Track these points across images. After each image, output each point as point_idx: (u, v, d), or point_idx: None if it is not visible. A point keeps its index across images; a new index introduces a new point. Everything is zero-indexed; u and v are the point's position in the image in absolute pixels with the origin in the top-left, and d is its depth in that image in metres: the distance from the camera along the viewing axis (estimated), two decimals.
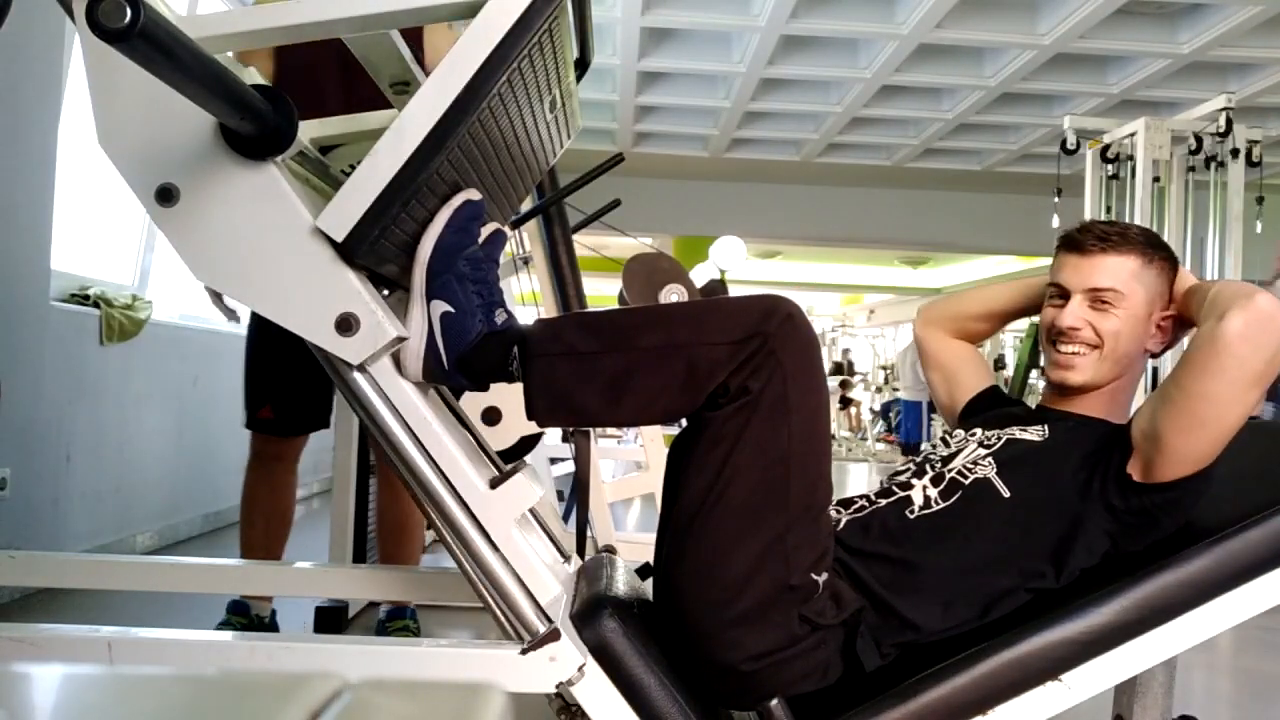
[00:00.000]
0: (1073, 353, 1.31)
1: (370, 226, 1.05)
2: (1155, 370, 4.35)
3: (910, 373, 10.22)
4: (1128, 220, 4.38)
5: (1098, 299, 1.30)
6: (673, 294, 2.86)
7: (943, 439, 1.42)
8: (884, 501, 1.28)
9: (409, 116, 1.05)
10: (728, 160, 7.92)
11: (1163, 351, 1.37)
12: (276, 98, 1.04)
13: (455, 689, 0.38)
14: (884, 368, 13.93)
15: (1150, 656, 1.18)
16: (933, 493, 1.26)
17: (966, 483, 1.25)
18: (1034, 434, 1.30)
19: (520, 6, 1.06)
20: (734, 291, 3.58)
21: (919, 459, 1.38)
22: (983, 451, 1.30)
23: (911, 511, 1.25)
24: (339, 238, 1.05)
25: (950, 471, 1.28)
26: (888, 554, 1.22)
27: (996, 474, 1.25)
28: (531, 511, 1.32)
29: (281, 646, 1.17)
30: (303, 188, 1.15)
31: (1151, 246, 1.32)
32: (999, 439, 1.31)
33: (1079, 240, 1.33)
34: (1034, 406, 1.45)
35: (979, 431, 1.36)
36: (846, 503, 1.31)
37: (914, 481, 1.30)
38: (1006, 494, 1.23)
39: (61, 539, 3.03)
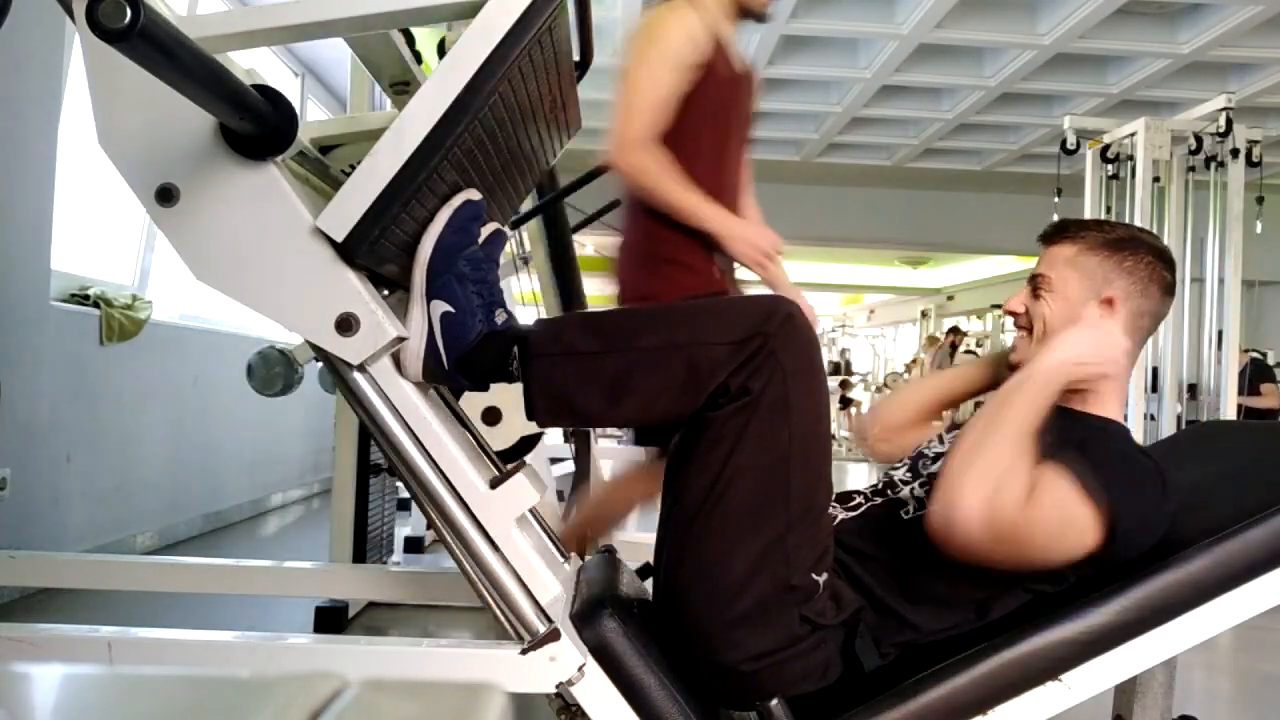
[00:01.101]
0: (1016, 336, 1.40)
1: (370, 226, 1.05)
2: (1155, 370, 4.35)
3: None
4: (1128, 220, 4.38)
5: (1035, 286, 1.37)
6: None
7: (939, 437, 1.41)
8: (879, 500, 1.27)
9: (409, 116, 1.05)
10: None
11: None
12: (276, 98, 1.05)
13: (455, 689, 0.38)
14: (911, 363, 13.77)
15: (1150, 656, 1.18)
16: (921, 494, 1.25)
17: None
18: None
19: (520, 6, 1.06)
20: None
21: (913, 456, 1.38)
22: None
23: (906, 512, 1.25)
24: (339, 238, 1.05)
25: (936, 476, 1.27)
26: (883, 556, 1.22)
27: None
28: (531, 511, 1.32)
29: (281, 646, 1.17)
30: (303, 188, 1.15)
31: (1107, 241, 1.33)
32: None
33: (1041, 235, 1.42)
34: None
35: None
36: (844, 498, 1.31)
37: (906, 480, 1.29)
38: None
39: (61, 539, 3.03)
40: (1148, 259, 1.32)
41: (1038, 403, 1.18)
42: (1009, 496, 1.11)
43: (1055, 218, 4.76)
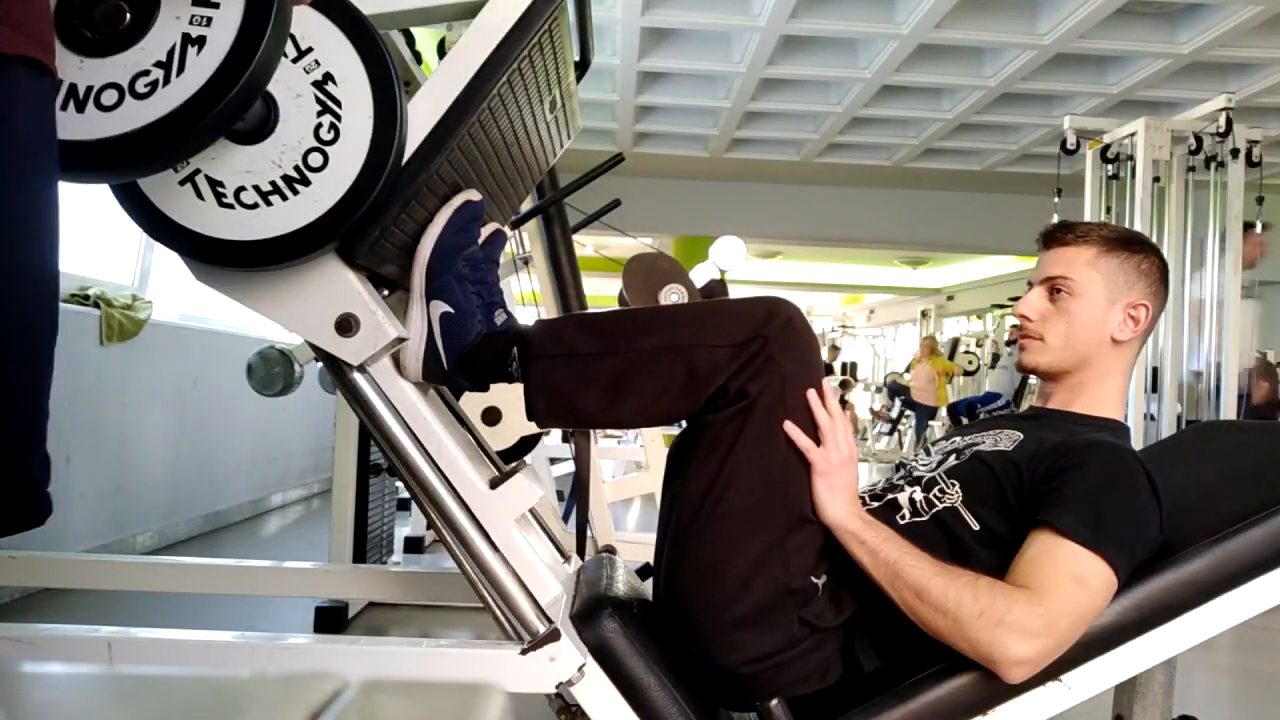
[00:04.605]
0: (1027, 337, 1.35)
1: (370, 226, 1.05)
2: (1155, 370, 4.35)
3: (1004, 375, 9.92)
4: (1128, 220, 4.38)
5: (1053, 287, 1.33)
6: (673, 294, 2.85)
7: (925, 449, 1.40)
8: (876, 504, 1.26)
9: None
10: (728, 160, 7.92)
11: (1132, 340, 1.33)
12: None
13: (455, 689, 0.38)
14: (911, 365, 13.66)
15: (1150, 656, 1.18)
16: (919, 498, 1.24)
17: (938, 508, 1.22)
18: (1005, 443, 1.26)
19: (520, 7, 1.06)
20: (734, 292, 3.58)
21: (910, 460, 1.37)
22: (953, 462, 1.26)
23: (903, 517, 1.23)
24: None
25: (925, 486, 1.25)
26: None
27: (963, 503, 1.20)
28: (531, 511, 1.32)
29: (281, 646, 1.17)
30: None
31: (1120, 242, 1.32)
32: (969, 450, 1.27)
33: (1044, 236, 1.38)
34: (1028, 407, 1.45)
35: (957, 439, 1.34)
36: None
37: (900, 485, 1.28)
38: (976, 527, 1.19)
39: (61, 539, 3.03)
40: (1156, 261, 1.34)
41: (880, 550, 1.13)
42: (1017, 614, 1.06)
43: (1055, 218, 4.76)
